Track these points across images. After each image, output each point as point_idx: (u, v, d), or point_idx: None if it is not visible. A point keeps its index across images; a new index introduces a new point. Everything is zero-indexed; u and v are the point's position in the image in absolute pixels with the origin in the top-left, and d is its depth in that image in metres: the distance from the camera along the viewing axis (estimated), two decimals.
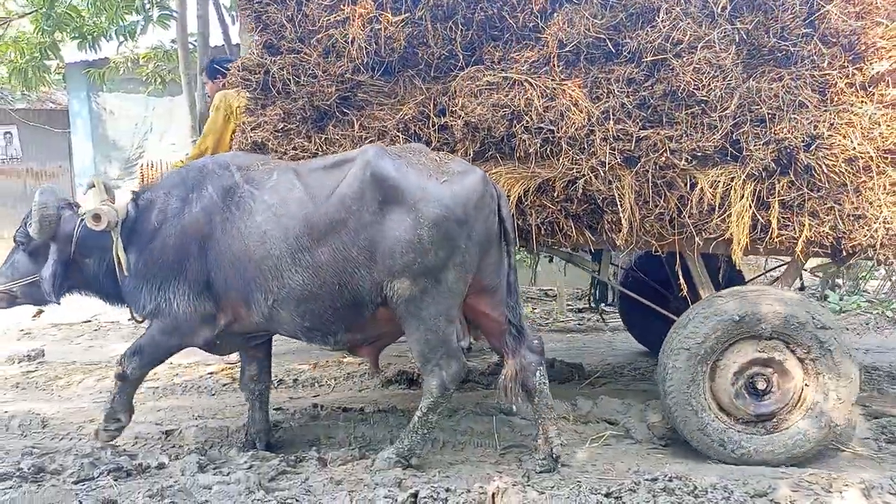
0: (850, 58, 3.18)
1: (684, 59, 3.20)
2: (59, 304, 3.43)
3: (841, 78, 3.17)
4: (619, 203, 3.36)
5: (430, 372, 3.17)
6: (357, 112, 3.63)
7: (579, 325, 7.42)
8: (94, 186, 3.36)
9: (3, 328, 6.94)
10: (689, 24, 3.19)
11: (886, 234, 3.19)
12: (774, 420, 3.35)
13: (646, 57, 3.27)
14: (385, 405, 4.19)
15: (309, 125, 3.63)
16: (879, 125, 3.15)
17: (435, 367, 3.16)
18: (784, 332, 3.24)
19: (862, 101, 3.16)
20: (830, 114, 3.16)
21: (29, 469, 3.13)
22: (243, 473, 2.95)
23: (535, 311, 8.00)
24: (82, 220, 3.27)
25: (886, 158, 3.20)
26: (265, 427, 3.65)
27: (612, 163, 3.34)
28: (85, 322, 7.41)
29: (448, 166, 3.13)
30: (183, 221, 3.25)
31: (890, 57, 3.12)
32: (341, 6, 3.48)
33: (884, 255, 3.23)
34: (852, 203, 3.23)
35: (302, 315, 3.13)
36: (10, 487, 2.96)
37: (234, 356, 4.34)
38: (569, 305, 8.07)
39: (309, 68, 3.55)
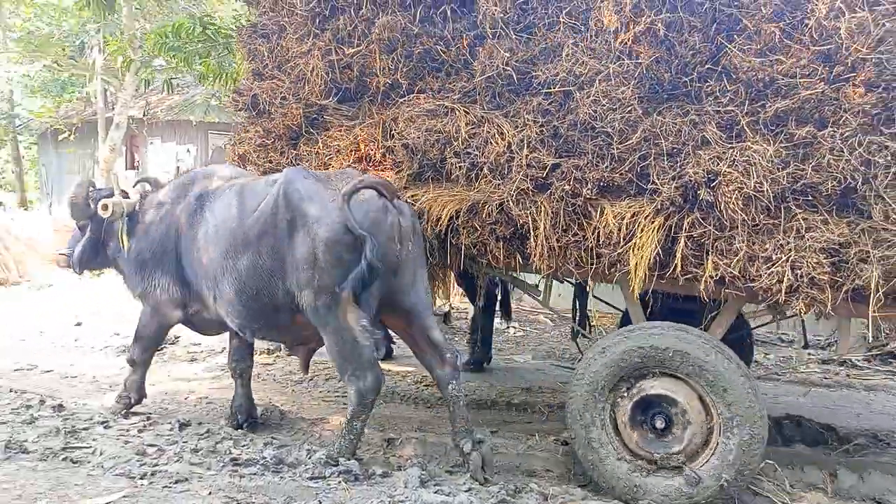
0: (753, 95, 3.04)
1: (585, 92, 3.27)
2: (79, 274, 4.35)
3: (744, 115, 3.05)
4: (533, 228, 3.52)
5: (348, 381, 3.37)
6: (322, 132, 4.11)
7: (825, 378, 6.47)
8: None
9: None
10: (589, 58, 3.25)
11: (795, 280, 3.04)
12: (677, 460, 3.30)
13: (553, 89, 3.38)
14: None
15: (283, 142, 4.19)
16: (788, 165, 3.00)
17: (351, 376, 3.34)
18: (684, 371, 3.23)
19: (765, 140, 3.02)
20: (734, 151, 3.06)
21: (271, 459, 3.33)
22: (465, 497, 2.97)
23: (769, 356, 7.15)
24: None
25: (797, 200, 3.05)
26: (246, 404, 4.19)
27: (528, 189, 3.51)
28: None
29: (359, 192, 3.37)
30: (167, 220, 3.95)
31: (793, 95, 2.95)
32: (306, 39, 3.96)
33: (793, 303, 3.08)
34: (762, 245, 3.12)
35: (233, 313, 3.65)
36: (255, 474, 3.20)
37: None
38: (810, 355, 7.21)
39: (282, 93, 4.10)
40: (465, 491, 3.10)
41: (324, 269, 3.29)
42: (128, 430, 3.80)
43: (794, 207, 3.05)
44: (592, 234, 3.45)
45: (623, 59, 3.19)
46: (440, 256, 3.86)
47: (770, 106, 3.00)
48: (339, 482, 3.10)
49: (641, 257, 3.29)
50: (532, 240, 3.54)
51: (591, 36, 3.28)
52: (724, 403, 3.20)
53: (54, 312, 7.67)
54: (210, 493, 2.93)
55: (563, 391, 4.88)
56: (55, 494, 2.88)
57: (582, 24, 3.34)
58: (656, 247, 3.26)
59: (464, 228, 3.71)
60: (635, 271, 3.31)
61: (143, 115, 14.11)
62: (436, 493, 3.02)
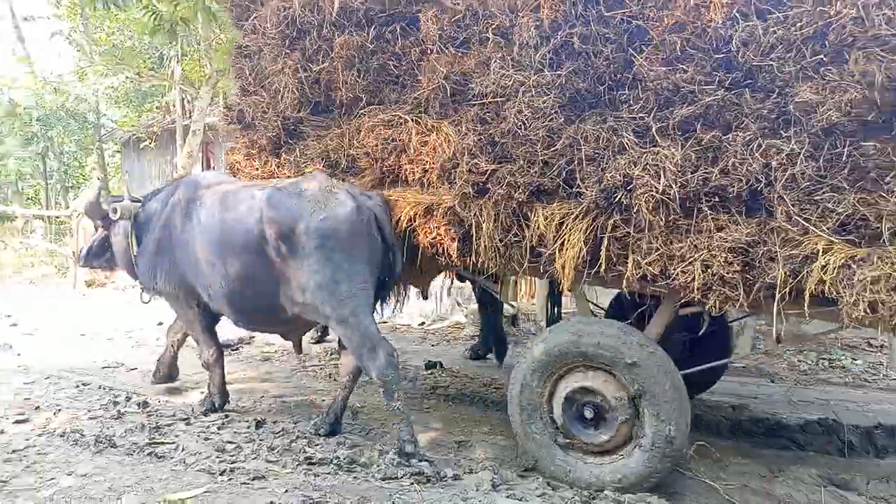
0: (661, 102, 3.18)
1: (512, 103, 3.49)
2: (83, 266, 4.91)
3: (654, 121, 3.20)
4: (477, 230, 3.77)
5: (365, 367, 3.73)
6: (300, 142, 4.49)
7: None
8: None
9: None
10: (514, 71, 3.46)
11: (707, 278, 3.18)
12: (606, 447, 3.49)
13: (486, 100, 3.61)
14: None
15: (267, 152, 4.60)
16: (698, 168, 3.14)
17: (367, 361, 3.68)
18: (604, 363, 3.43)
19: (675, 144, 3.15)
20: (646, 155, 3.22)
21: (344, 459, 3.41)
22: (539, 502, 2.96)
23: (857, 362, 6.76)
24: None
25: (709, 201, 3.17)
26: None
27: (470, 193, 3.76)
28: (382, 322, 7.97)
29: (331, 200, 3.79)
30: (169, 221, 4.35)
31: (697, 101, 3.07)
32: (279, 59, 4.34)
33: (709, 300, 3.22)
34: (679, 244, 3.26)
35: (226, 307, 4.08)
36: (329, 473, 3.27)
37: None
38: None
39: (263, 107, 4.50)
40: (539, 496, 3.08)
41: (315, 272, 3.67)
42: (207, 427, 3.99)
43: (705, 208, 3.17)
44: (530, 234, 3.67)
45: (544, 71, 3.39)
46: (405, 254, 4.17)
47: (677, 112, 3.14)
48: (412, 483, 3.14)
49: (569, 256, 3.50)
50: (477, 241, 3.81)
51: (515, 50, 3.49)
52: (648, 396, 3.37)
53: (138, 313, 7.90)
54: (286, 490, 3.03)
55: None
56: (141, 488, 3.06)
57: (507, 39, 3.55)
58: (583, 247, 3.46)
59: (421, 229, 4.00)
60: (564, 269, 3.52)
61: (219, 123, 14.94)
62: (508, 497, 3.01)
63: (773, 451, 4.08)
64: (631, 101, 3.27)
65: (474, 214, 3.77)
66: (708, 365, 3.89)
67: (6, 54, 16.97)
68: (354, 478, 3.17)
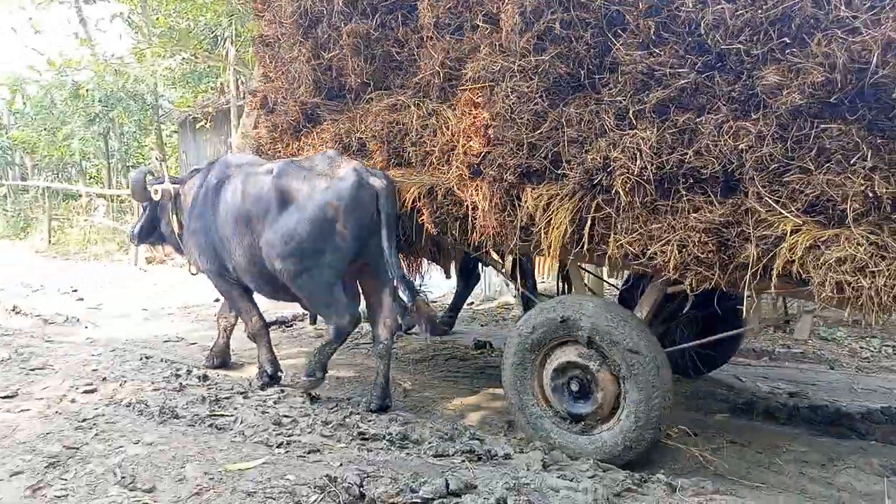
0: (637, 85, 3.24)
1: (500, 87, 3.63)
2: (136, 245, 5.34)
3: (632, 104, 3.27)
4: (473, 210, 3.95)
5: (329, 321, 4.19)
6: (316, 126, 4.76)
7: None
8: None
9: None
10: (501, 56, 3.59)
11: (683, 258, 3.26)
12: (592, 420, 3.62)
13: (478, 84, 3.76)
14: (738, 437, 3.97)
15: (288, 134, 4.90)
16: (674, 150, 3.21)
17: (332, 316, 4.16)
18: (591, 337, 3.57)
19: (651, 126, 3.22)
20: (625, 137, 3.30)
21: (396, 435, 3.48)
22: (590, 483, 2.94)
23: None
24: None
25: (686, 182, 3.24)
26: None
27: (465, 174, 3.94)
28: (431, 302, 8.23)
29: (336, 174, 4.08)
30: (204, 200, 4.73)
31: (671, 85, 3.13)
32: (294, 47, 4.60)
33: (686, 279, 3.30)
34: (657, 225, 3.35)
35: (247, 277, 4.43)
36: (382, 449, 3.36)
37: None
38: None
39: (283, 93, 4.79)
40: (590, 477, 3.08)
41: (307, 240, 3.98)
42: (264, 402, 4.13)
43: (681, 189, 3.24)
44: (521, 214, 3.82)
45: (528, 56, 3.50)
46: (411, 234, 4.40)
47: (652, 95, 3.20)
48: (462, 461, 3.19)
49: (555, 236, 3.63)
50: (474, 220, 3.99)
51: (503, 36, 3.61)
52: (630, 373, 3.50)
53: (195, 289, 8.17)
54: (341, 464, 3.13)
55: (693, 381, 4.99)
56: (203, 458, 3.18)
57: (495, 25, 3.67)
58: (568, 226, 3.59)
59: (426, 209, 4.22)
60: (550, 248, 3.66)
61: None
62: (559, 477, 3.01)
63: (833, 440, 3.99)
64: (610, 85, 3.35)
65: (470, 195, 3.95)
66: (698, 342, 3.98)
67: (69, 37, 17.85)
68: (407, 454, 3.22)
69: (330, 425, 3.69)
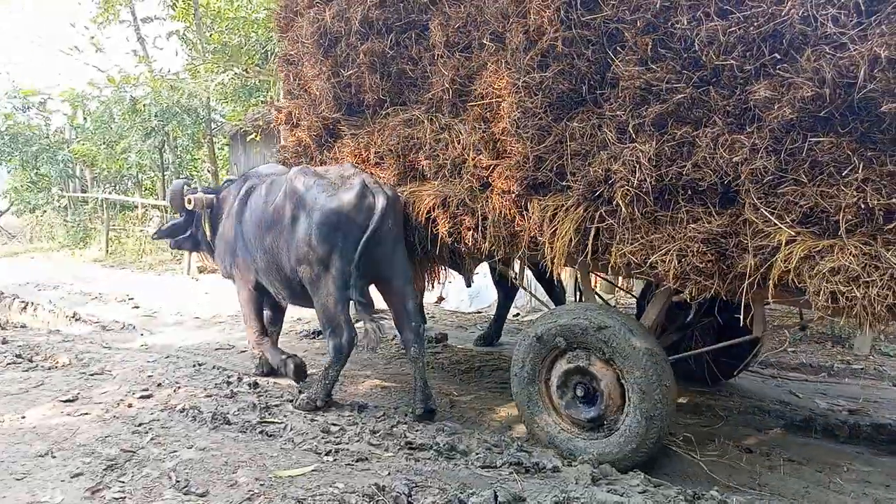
0: (637, 100, 3.34)
1: (507, 102, 3.76)
2: (172, 247, 5.61)
3: (631, 118, 3.37)
4: (483, 220, 4.09)
5: (328, 338, 4.23)
6: (337, 140, 4.96)
7: None
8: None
9: None
10: (508, 72, 3.72)
11: (685, 268, 3.33)
12: (596, 423, 3.70)
13: (486, 100, 3.90)
14: (796, 455, 3.88)
15: (312, 149, 5.11)
16: (673, 162, 3.29)
17: (332, 335, 4.20)
18: (577, 340, 3.66)
19: (650, 140, 3.31)
20: (626, 151, 3.40)
21: (444, 445, 3.46)
22: (641, 498, 2.90)
23: None
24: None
25: (685, 194, 3.32)
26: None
27: (475, 186, 4.08)
28: (477, 313, 8.46)
29: (343, 183, 4.23)
30: (231, 211, 5.00)
31: (667, 99, 3.22)
32: (315, 65, 4.81)
33: (686, 288, 3.38)
34: (657, 235, 3.43)
35: (266, 280, 4.65)
36: (430, 459, 3.34)
37: None
38: None
39: (305, 109, 5.00)
40: (640, 493, 3.02)
41: (316, 246, 4.14)
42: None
43: (681, 201, 3.32)
44: (529, 224, 3.94)
45: (532, 73, 3.63)
46: (426, 244, 4.55)
47: (651, 109, 3.29)
48: (510, 473, 3.17)
49: (560, 245, 3.74)
50: (485, 230, 4.12)
51: (508, 54, 3.74)
52: (633, 377, 3.57)
53: None
54: (389, 473, 3.14)
55: (748, 396, 4.86)
56: (255, 464, 3.24)
57: (501, 43, 3.80)
58: (573, 237, 3.70)
59: (440, 219, 4.37)
60: (555, 257, 3.77)
61: None
62: (609, 492, 2.97)
63: None
64: (611, 100, 3.45)
65: (481, 206, 4.08)
66: (697, 351, 4.03)
67: (128, 55, 18.52)
68: (454, 464, 3.21)
69: (377, 434, 3.72)
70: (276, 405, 4.19)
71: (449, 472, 3.08)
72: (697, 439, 3.96)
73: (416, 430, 3.79)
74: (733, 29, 2.98)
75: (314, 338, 6.71)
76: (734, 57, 3.00)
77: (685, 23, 3.11)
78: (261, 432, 3.71)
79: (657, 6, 3.18)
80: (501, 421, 4.38)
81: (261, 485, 3.02)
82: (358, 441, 3.60)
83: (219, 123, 18.05)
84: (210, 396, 4.31)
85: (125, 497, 2.92)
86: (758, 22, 2.90)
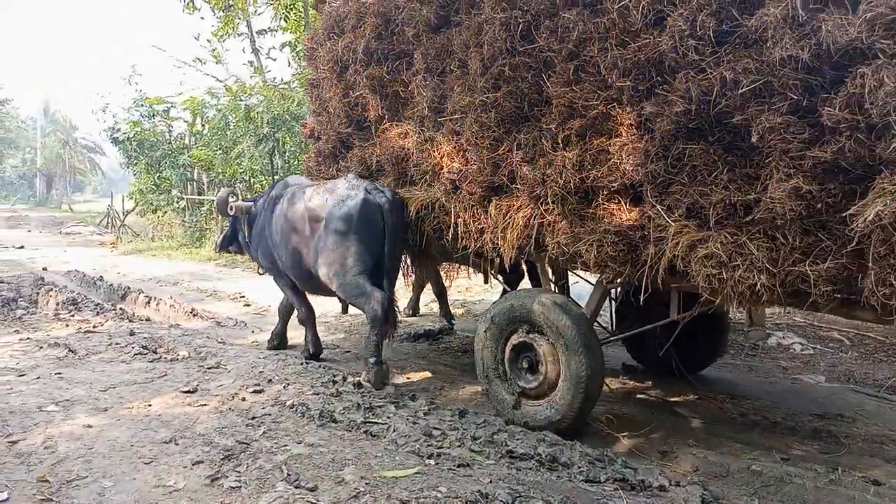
0: (564, 116, 3.99)
1: (468, 117, 4.48)
2: (218, 252, 6.59)
3: (561, 131, 4.02)
4: (456, 218, 4.80)
5: (362, 309, 5.05)
6: (349, 152, 5.82)
7: None
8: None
9: None
10: (468, 94, 4.46)
11: (602, 257, 3.92)
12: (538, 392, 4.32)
13: (455, 116, 4.64)
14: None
15: (329, 160, 5.99)
16: (594, 167, 3.92)
17: (364, 304, 4.99)
18: (524, 319, 4.30)
19: (574, 148, 3.95)
20: (556, 158, 4.05)
21: (546, 456, 3.42)
22: None
23: None
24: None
25: (604, 193, 3.93)
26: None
27: (448, 190, 4.82)
28: None
29: (348, 193, 5.11)
30: (263, 216, 5.97)
31: (586, 115, 3.86)
32: (330, 88, 5.70)
33: (604, 274, 3.98)
34: (582, 228, 4.03)
35: (292, 274, 5.55)
36: (531, 469, 3.30)
37: None
38: None
39: (325, 125, 5.90)
40: None
41: (332, 248, 5.03)
42: (415, 412, 4.22)
43: (600, 199, 3.94)
44: (491, 222, 4.63)
45: (487, 93, 4.35)
46: (417, 241, 5.31)
47: (574, 122, 3.95)
48: (615, 489, 3.10)
49: (510, 240, 4.41)
50: (457, 226, 4.83)
51: (469, 77, 4.48)
52: (565, 353, 4.16)
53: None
54: (491, 481, 3.10)
55: (873, 423, 4.53)
56: (360, 463, 3.28)
57: (465, 69, 4.55)
58: (521, 231, 4.36)
59: (426, 219, 5.12)
60: (506, 249, 4.44)
61: None
62: None
63: None
64: (546, 115, 4.13)
65: (454, 206, 4.81)
66: (639, 329, 4.57)
67: (244, 66, 19.79)
68: (557, 476, 3.19)
69: (479, 441, 3.70)
70: (380, 406, 4.27)
71: (551, 483, 3.06)
72: (818, 467, 3.70)
73: (518, 440, 3.76)
74: (629, 56, 3.61)
75: (415, 341, 6.88)
76: (631, 79, 3.63)
77: (595, 51, 3.77)
78: (365, 432, 3.78)
79: (575, 37, 3.85)
80: (600, 429, 4.37)
81: (366, 483, 3.05)
82: (459, 446, 3.61)
83: None
84: (317, 394, 4.41)
85: (241, 486, 3.02)
86: (646, 50, 3.53)
